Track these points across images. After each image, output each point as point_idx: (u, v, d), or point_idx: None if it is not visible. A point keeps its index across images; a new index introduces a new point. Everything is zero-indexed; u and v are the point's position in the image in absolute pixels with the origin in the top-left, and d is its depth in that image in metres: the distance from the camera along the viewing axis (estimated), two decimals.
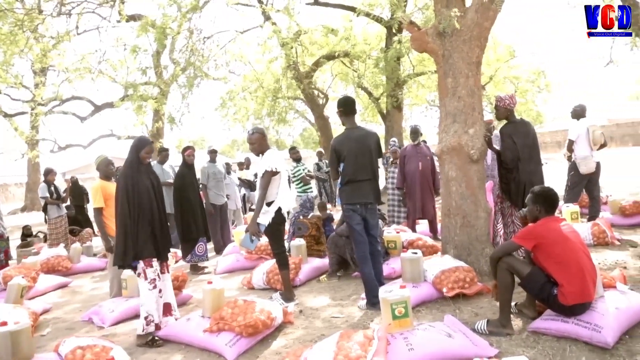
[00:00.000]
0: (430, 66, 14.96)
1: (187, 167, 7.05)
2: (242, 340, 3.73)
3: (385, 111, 15.69)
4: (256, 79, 15.77)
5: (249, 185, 11.79)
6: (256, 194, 4.76)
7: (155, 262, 4.17)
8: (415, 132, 7.49)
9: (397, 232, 6.09)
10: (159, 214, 4.25)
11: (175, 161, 8.76)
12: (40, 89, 17.81)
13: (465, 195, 4.94)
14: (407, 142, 10.21)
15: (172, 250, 7.06)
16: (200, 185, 7.66)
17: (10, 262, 8.42)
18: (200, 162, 8.55)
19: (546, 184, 4.01)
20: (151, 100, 12.71)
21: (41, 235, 9.95)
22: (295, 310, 4.56)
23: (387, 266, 5.38)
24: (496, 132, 6.14)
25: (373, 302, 4.34)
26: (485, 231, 4.99)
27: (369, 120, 21.03)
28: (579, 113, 7.00)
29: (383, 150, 6.86)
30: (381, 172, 5.65)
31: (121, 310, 4.88)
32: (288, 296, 4.84)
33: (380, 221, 5.40)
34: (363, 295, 4.60)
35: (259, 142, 4.74)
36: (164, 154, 8.49)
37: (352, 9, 13.95)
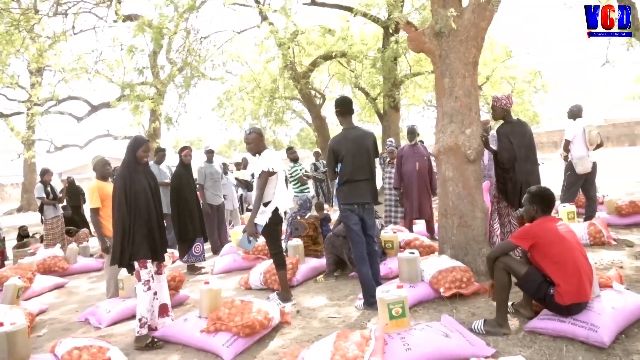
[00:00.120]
0: (427, 66, 14.99)
1: (184, 167, 7.04)
2: (239, 341, 3.72)
3: (382, 111, 15.70)
4: (253, 79, 15.76)
5: (246, 185, 11.78)
6: (253, 194, 4.76)
7: (149, 264, 4.14)
8: (412, 132, 7.49)
9: (394, 232, 6.09)
10: (156, 214, 4.24)
11: (172, 161, 8.76)
12: (37, 89, 17.75)
13: (462, 195, 4.95)
14: (404, 142, 10.22)
15: (169, 250, 7.07)
16: (197, 186, 7.65)
17: (6, 262, 8.42)
18: (197, 162, 8.54)
19: (543, 184, 4.02)
20: (148, 100, 12.67)
21: (37, 236, 9.92)
22: (292, 310, 4.55)
23: (384, 266, 5.39)
24: (493, 132, 6.16)
25: (370, 302, 4.34)
26: (482, 231, 5.00)
27: (366, 120, 21.03)
28: (575, 113, 7.02)
29: (380, 151, 6.87)
30: (378, 172, 5.65)
31: (118, 311, 4.86)
32: (285, 296, 4.84)
33: (377, 221, 5.40)
34: (360, 295, 4.60)
35: (255, 142, 4.73)
36: (160, 154, 8.48)
37: (349, 9, 13.96)
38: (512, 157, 5.19)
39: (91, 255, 8.55)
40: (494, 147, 5.50)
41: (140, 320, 4.05)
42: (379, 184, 5.61)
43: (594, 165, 6.82)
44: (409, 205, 7.33)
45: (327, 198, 11.40)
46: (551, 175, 10.26)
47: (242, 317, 3.80)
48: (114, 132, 20.23)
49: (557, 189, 6.48)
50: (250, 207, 11.96)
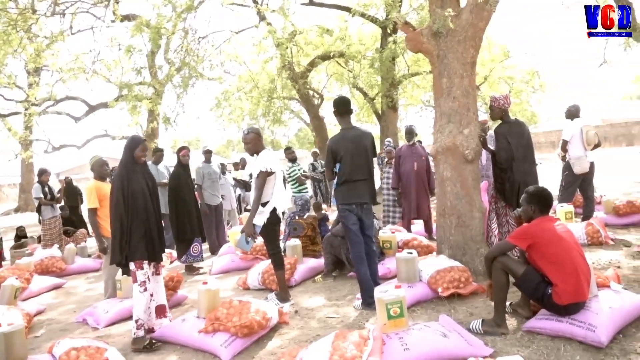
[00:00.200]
0: (425, 66, 15.00)
1: (182, 167, 7.03)
2: (237, 341, 3.72)
3: (380, 111, 15.71)
4: (251, 79, 15.75)
5: (244, 185, 11.78)
6: (251, 194, 4.75)
7: (146, 265, 4.11)
8: (410, 133, 7.50)
9: (393, 232, 6.09)
10: (154, 214, 4.22)
11: (170, 161, 8.75)
12: (34, 89, 17.72)
13: (460, 195, 4.95)
14: (402, 142, 10.22)
15: (167, 250, 7.06)
16: (195, 186, 7.64)
17: (3, 263, 8.39)
18: (195, 163, 8.53)
19: (540, 184, 4.02)
20: (146, 100, 12.67)
21: (35, 236, 9.90)
22: (290, 310, 4.56)
23: (382, 266, 5.39)
24: (491, 132, 6.16)
25: (368, 302, 4.34)
26: (480, 231, 5.01)
27: (364, 120, 21.04)
28: (573, 113, 7.03)
29: (378, 151, 6.87)
30: (376, 172, 5.66)
31: (116, 311, 4.85)
32: (283, 296, 4.84)
33: (375, 221, 5.40)
34: (358, 295, 4.60)
35: (253, 142, 4.73)
36: (158, 154, 8.47)
37: (347, 9, 13.97)
38: (510, 157, 5.20)
39: (89, 256, 8.53)
40: (491, 147, 5.51)
41: (137, 321, 4.03)
42: (377, 184, 5.62)
43: (592, 165, 6.83)
44: (407, 205, 7.34)
45: (325, 198, 11.39)
46: (549, 175, 10.28)
47: (240, 318, 3.80)
48: (111, 132, 20.22)
49: (554, 189, 6.48)
50: (249, 207, 11.96)
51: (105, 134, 20.62)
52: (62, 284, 6.92)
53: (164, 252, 4.43)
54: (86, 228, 10.20)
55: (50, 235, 8.52)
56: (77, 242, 9.22)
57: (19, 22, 10.41)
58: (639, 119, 34.72)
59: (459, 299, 4.37)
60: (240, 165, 13.14)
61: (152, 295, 4.22)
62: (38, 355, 3.70)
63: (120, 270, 4.86)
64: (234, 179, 11.15)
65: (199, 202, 7.55)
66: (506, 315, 3.66)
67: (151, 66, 14.72)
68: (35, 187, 8.52)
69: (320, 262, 6.04)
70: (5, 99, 19.71)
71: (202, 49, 11.98)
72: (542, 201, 3.55)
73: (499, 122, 5.46)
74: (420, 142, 8.43)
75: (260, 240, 5.66)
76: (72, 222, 10.18)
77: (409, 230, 7.19)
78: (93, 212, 5.25)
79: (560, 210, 6.56)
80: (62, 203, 9.48)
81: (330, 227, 6.34)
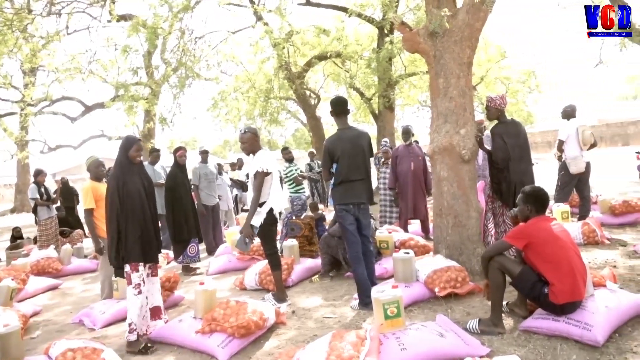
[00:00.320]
0: (422, 67, 15.03)
1: (179, 167, 7.02)
2: (234, 342, 3.72)
3: (377, 111, 15.73)
4: (248, 79, 15.74)
5: (241, 185, 11.76)
6: (248, 195, 4.74)
7: (141, 267, 4.07)
8: (407, 133, 7.51)
9: (389, 232, 6.10)
10: (151, 215, 4.19)
11: (166, 162, 8.73)
12: (30, 89, 17.66)
13: (456, 195, 4.96)
14: (399, 142, 10.23)
15: (163, 251, 7.06)
16: (192, 186, 7.63)
17: None
18: (192, 163, 8.52)
19: (537, 184, 4.03)
20: (142, 100, 12.64)
21: (31, 237, 9.87)
22: (287, 310, 4.55)
23: (379, 266, 5.39)
24: (487, 132, 6.17)
25: (365, 302, 4.34)
26: (477, 231, 5.02)
27: (361, 120, 21.06)
28: (569, 113, 7.05)
29: (375, 151, 6.88)
30: (373, 172, 5.66)
31: (112, 312, 4.84)
32: (280, 297, 4.84)
33: (372, 221, 5.40)
34: (355, 295, 4.61)
35: (250, 142, 4.72)
36: (155, 155, 8.45)
37: (344, 9, 13.97)
38: (506, 157, 5.21)
39: (85, 256, 8.51)
40: (488, 147, 5.52)
41: (129, 325, 3.99)
42: (374, 184, 5.62)
43: (588, 165, 6.86)
44: (404, 205, 7.34)
45: (322, 198, 11.40)
46: (545, 175, 10.31)
47: (237, 318, 3.79)
48: (108, 132, 20.18)
49: (551, 189, 6.51)
50: (245, 207, 11.96)
51: (102, 135, 20.57)
52: (58, 285, 6.89)
53: (160, 252, 4.41)
54: (82, 229, 10.17)
55: (47, 236, 8.49)
56: (74, 242, 9.19)
57: (15, 22, 10.37)
58: (635, 119, 34.89)
59: (456, 298, 4.38)
60: (237, 165, 13.13)
61: (146, 297, 4.18)
62: (34, 357, 3.68)
63: None
64: (231, 179, 11.14)
65: (196, 202, 7.54)
66: (503, 314, 3.67)
67: (148, 66, 14.71)
68: (31, 187, 8.49)
69: (317, 262, 6.04)
70: (1, 99, 19.68)
71: (199, 49, 11.97)
72: (539, 201, 3.56)
73: (496, 122, 5.48)
74: (417, 142, 8.44)
75: (257, 240, 5.65)
76: (68, 222, 10.15)
77: (405, 230, 7.20)
78: (89, 212, 5.24)
79: (557, 209, 6.58)
80: (58, 204, 9.46)
81: (327, 227, 6.34)
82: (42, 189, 8.43)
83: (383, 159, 8.24)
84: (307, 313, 4.54)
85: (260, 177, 4.55)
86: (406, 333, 3.22)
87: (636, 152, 11.04)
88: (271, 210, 4.65)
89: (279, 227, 6.07)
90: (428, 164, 7.15)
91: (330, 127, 18.23)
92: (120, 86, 13.38)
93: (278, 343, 3.87)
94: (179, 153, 7.02)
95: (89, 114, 19.76)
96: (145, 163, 8.16)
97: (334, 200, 4.65)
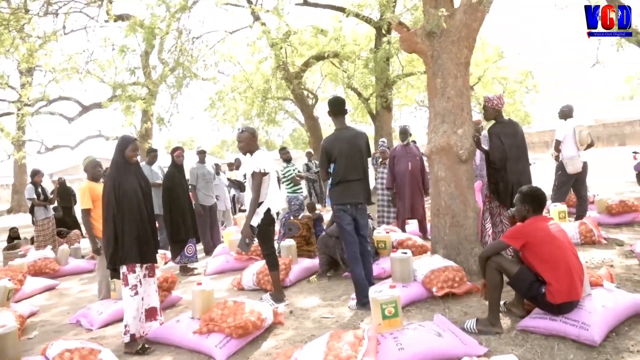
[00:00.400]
0: (420, 67, 15.05)
1: (176, 167, 7.01)
2: (232, 342, 3.71)
3: (374, 111, 15.73)
4: (245, 79, 15.74)
5: (239, 186, 11.73)
6: (246, 195, 4.74)
7: (138, 268, 4.04)
8: (404, 133, 7.51)
9: (387, 232, 6.11)
10: (147, 215, 4.16)
11: (164, 162, 8.72)
12: (27, 89, 17.62)
13: (454, 195, 4.96)
14: (397, 142, 10.25)
15: (161, 251, 7.05)
16: (190, 186, 7.62)
17: None
18: (190, 163, 8.51)
19: (534, 184, 4.04)
20: (140, 100, 12.62)
21: (28, 237, 9.84)
22: (285, 311, 4.55)
23: (377, 266, 5.40)
24: (484, 132, 6.19)
25: (363, 302, 4.34)
26: (474, 231, 5.02)
27: (358, 120, 21.07)
28: (566, 113, 7.07)
29: (372, 151, 6.88)
30: (370, 172, 5.67)
31: (110, 313, 4.83)
32: (278, 297, 4.83)
33: (370, 221, 5.41)
34: (353, 295, 4.60)
35: (246, 141, 4.71)
36: (152, 155, 8.44)
37: (341, 9, 13.98)
38: (503, 157, 5.22)
39: (82, 257, 8.50)
40: (485, 147, 5.53)
41: (125, 326, 3.97)
42: (371, 184, 5.63)
43: (585, 165, 6.87)
44: (401, 205, 7.35)
45: (320, 198, 11.40)
46: (542, 175, 10.33)
47: (234, 318, 3.79)
48: (105, 132, 20.18)
49: (548, 189, 6.52)
50: (243, 207, 11.96)
51: (99, 135, 20.56)
52: (55, 285, 6.87)
53: (157, 252, 4.39)
54: (80, 229, 10.15)
55: (44, 236, 8.48)
56: (71, 243, 9.17)
57: (12, 21, 10.35)
58: (631, 119, 34.97)
59: (454, 298, 4.39)
60: (234, 165, 13.12)
61: (142, 299, 4.15)
62: (31, 357, 3.67)
63: None
64: (228, 179, 11.12)
65: (193, 202, 7.54)
66: (500, 314, 3.68)
67: (145, 66, 14.69)
68: (28, 188, 8.47)
69: (314, 262, 6.03)
70: None
71: (196, 49, 11.94)
72: (536, 201, 3.57)
73: (493, 122, 5.48)
74: (414, 142, 8.45)
75: (256, 240, 5.65)
76: (65, 223, 10.12)
77: (403, 230, 7.21)
78: (86, 212, 5.22)
79: (554, 209, 6.59)
80: (56, 204, 9.43)
81: (325, 227, 6.34)
82: (39, 189, 8.41)
83: (381, 159, 8.25)
84: (304, 313, 4.54)
85: (258, 177, 4.54)
86: (404, 333, 3.23)
87: (633, 152, 11.06)
88: (268, 210, 4.65)
89: (277, 227, 6.06)
90: (425, 164, 7.16)
91: (327, 127, 18.26)
92: (117, 86, 13.36)
93: (276, 343, 3.86)
94: (177, 153, 7.02)
95: (86, 114, 19.74)
96: (143, 163, 8.16)
97: (331, 200, 4.65)
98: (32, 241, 9.29)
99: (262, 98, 15.63)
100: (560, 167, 6.99)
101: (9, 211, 22.98)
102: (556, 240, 3.38)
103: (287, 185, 9.06)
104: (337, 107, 4.62)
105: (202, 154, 8.42)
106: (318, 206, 9.07)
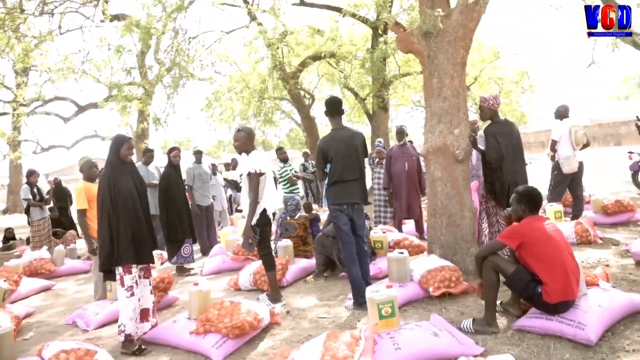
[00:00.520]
0: (416, 67, 15.04)
1: (173, 168, 6.99)
2: (228, 342, 3.71)
3: (371, 112, 15.73)
4: (242, 79, 15.70)
5: (235, 186, 11.74)
6: (242, 195, 4.73)
7: (134, 269, 4.02)
8: (401, 133, 7.52)
9: (384, 232, 6.11)
10: (143, 215, 4.14)
11: (160, 162, 8.71)
12: (22, 89, 17.53)
13: (450, 195, 4.97)
14: (393, 142, 10.25)
15: (157, 251, 7.03)
16: (186, 187, 7.61)
17: None
18: (186, 163, 8.49)
19: (530, 184, 4.05)
20: (136, 100, 12.58)
21: (24, 238, 9.81)
22: (282, 311, 4.55)
23: (373, 266, 5.40)
24: (481, 132, 6.20)
25: (360, 302, 4.35)
26: (471, 231, 5.03)
27: (355, 120, 21.06)
28: (562, 113, 7.09)
29: (369, 151, 6.89)
30: (367, 172, 5.67)
31: (106, 313, 4.81)
32: (275, 297, 4.83)
33: (366, 221, 5.41)
34: (350, 295, 4.60)
35: (242, 141, 4.71)
36: (148, 155, 8.42)
37: (338, 9, 13.98)
38: (499, 157, 5.23)
39: (78, 257, 8.47)
40: (482, 147, 5.54)
41: (119, 327, 3.96)
42: (368, 184, 5.64)
43: (581, 165, 6.90)
44: (398, 205, 7.36)
45: (317, 198, 11.39)
46: (538, 174, 10.35)
47: (231, 318, 3.78)
48: (101, 132, 20.10)
49: (544, 189, 6.54)
50: (240, 207, 11.93)
51: (95, 135, 20.50)
52: (51, 286, 6.85)
53: (154, 253, 4.38)
54: (75, 229, 10.12)
55: (39, 236, 8.45)
56: (67, 243, 9.15)
57: (7, 21, 10.31)
58: (627, 119, 35.07)
59: (450, 298, 4.40)
60: (231, 165, 13.10)
61: (139, 299, 4.12)
62: (27, 358, 3.66)
63: None
64: (225, 179, 11.13)
65: (190, 202, 7.52)
66: (497, 314, 3.68)
67: (141, 66, 14.62)
68: (23, 188, 8.44)
69: (311, 262, 6.04)
70: None
71: (193, 49, 11.91)
72: (532, 201, 3.58)
73: (489, 122, 5.50)
74: (411, 142, 8.45)
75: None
76: (61, 223, 10.10)
77: (400, 230, 7.21)
78: (82, 213, 5.21)
79: (550, 209, 6.61)
80: (51, 204, 9.41)
81: (321, 228, 6.34)
82: (35, 190, 8.38)
83: (377, 159, 8.26)
84: (301, 313, 4.53)
85: (255, 178, 4.54)
86: (400, 333, 3.23)
87: (629, 152, 11.10)
88: (264, 210, 4.64)
89: (274, 227, 6.06)
90: (422, 164, 7.17)
91: (324, 127, 18.23)
92: (113, 86, 13.33)
93: (272, 343, 3.86)
94: (173, 153, 7.00)
95: (82, 114, 19.68)
96: (139, 163, 8.15)
97: (328, 200, 4.65)
98: (27, 242, 9.27)
99: (259, 98, 15.60)
100: (556, 167, 7.02)
101: (5, 211, 22.87)
102: (552, 240, 3.39)
103: (284, 185, 9.05)
104: (333, 107, 4.63)
105: (198, 154, 8.41)
106: (315, 206, 9.06)
